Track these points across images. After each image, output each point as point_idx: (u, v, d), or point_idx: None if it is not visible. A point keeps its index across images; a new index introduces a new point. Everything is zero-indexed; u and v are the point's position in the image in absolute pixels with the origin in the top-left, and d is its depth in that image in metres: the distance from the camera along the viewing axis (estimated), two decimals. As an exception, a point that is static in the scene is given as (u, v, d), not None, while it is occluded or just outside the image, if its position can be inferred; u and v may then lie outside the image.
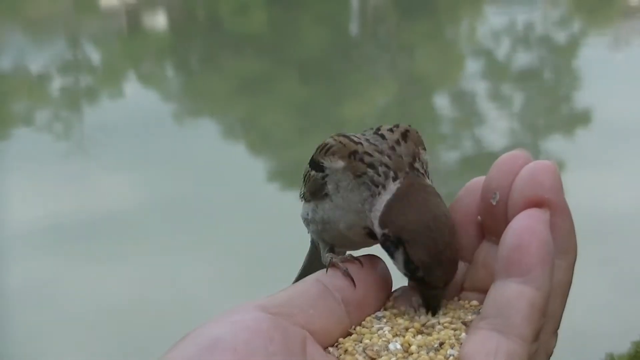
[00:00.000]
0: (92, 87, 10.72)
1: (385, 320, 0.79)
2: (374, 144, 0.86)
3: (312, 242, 1.03)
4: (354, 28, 13.81)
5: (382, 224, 0.83)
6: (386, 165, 0.84)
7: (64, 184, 6.77)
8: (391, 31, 12.88)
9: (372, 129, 0.90)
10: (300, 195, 0.97)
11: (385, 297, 0.82)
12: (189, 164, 6.91)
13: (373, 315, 0.80)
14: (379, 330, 0.78)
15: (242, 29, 12.97)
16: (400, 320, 0.79)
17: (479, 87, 9.30)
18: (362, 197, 0.84)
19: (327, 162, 0.87)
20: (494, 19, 12.76)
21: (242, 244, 5.29)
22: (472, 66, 10.50)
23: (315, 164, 0.90)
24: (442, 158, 7.38)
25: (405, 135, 0.87)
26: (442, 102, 9.16)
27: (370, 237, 0.85)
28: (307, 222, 0.95)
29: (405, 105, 8.90)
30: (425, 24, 12.52)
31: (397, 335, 0.77)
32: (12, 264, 5.51)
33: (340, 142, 0.87)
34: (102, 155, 7.31)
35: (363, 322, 0.79)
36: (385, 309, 0.81)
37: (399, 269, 0.83)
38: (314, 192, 0.90)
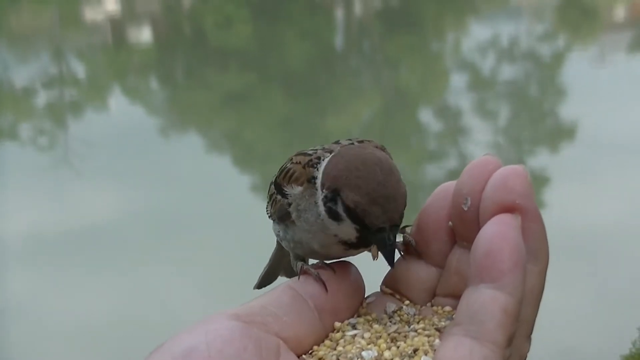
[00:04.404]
0: (76, 100, 10.69)
1: (358, 327, 0.79)
2: (328, 149, 0.87)
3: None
4: (338, 42, 13.83)
5: (322, 185, 0.83)
6: (327, 152, 0.86)
7: (48, 197, 6.74)
8: (376, 45, 12.92)
9: (335, 141, 0.91)
10: (268, 213, 0.98)
11: (359, 303, 0.82)
12: (173, 177, 6.89)
13: (346, 322, 0.79)
14: (352, 337, 0.77)
15: (226, 43, 12.99)
16: (373, 327, 0.78)
17: (464, 101, 9.32)
18: (315, 211, 0.84)
19: (288, 189, 0.88)
20: (478, 33, 12.81)
21: (226, 257, 5.27)
22: (457, 80, 10.53)
23: (279, 189, 0.91)
24: (426, 171, 7.38)
25: (361, 141, 0.89)
26: (426, 116, 9.18)
27: (348, 246, 0.84)
28: (280, 238, 0.96)
29: (389, 118, 8.92)
30: (410, 37, 12.55)
31: (370, 342, 0.76)
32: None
33: (298, 162, 0.88)
34: (87, 169, 7.28)
35: (336, 329, 0.78)
36: (359, 315, 0.81)
37: (347, 234, 0.82)
38: (282, 217, 0.91)
